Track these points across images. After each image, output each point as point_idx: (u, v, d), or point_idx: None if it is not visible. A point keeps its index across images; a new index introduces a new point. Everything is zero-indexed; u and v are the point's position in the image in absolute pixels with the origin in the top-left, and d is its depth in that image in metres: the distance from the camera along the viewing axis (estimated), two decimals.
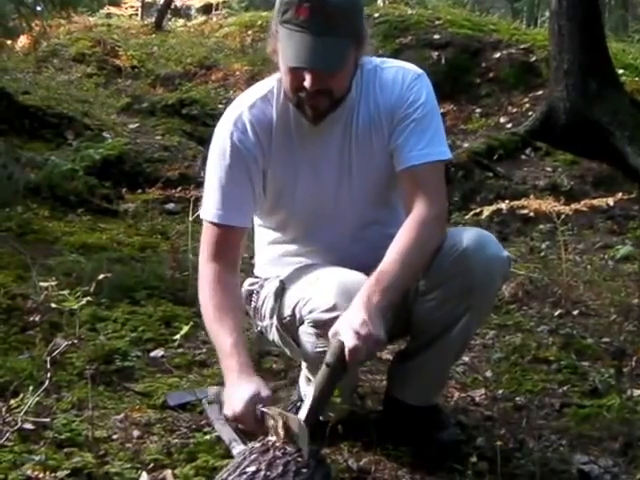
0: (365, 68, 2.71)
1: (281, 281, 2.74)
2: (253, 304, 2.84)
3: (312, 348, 2.59)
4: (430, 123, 2.66)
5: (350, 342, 2.29)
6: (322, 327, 2.49)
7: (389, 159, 2.68)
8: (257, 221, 2.89)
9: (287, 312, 2.65)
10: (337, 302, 2.47)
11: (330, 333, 2.36)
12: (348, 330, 2.31)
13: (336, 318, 2.42)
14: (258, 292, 2.81)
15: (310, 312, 2.54)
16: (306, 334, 2.59)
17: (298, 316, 2.60)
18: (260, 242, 2.95)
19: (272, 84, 2.70)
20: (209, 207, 2.70)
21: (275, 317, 2.71)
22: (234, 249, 2.70)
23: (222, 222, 2.66)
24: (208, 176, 2.72)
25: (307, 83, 2.47)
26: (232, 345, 2.51)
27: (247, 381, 2.45)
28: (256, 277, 2.91)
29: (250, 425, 2.41)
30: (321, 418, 2.75)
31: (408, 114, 2.65)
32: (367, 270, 2.53)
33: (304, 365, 2.81)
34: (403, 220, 2.61)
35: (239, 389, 2.43)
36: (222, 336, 2.56)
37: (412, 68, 2.74)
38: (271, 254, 2.91)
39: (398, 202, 2.77)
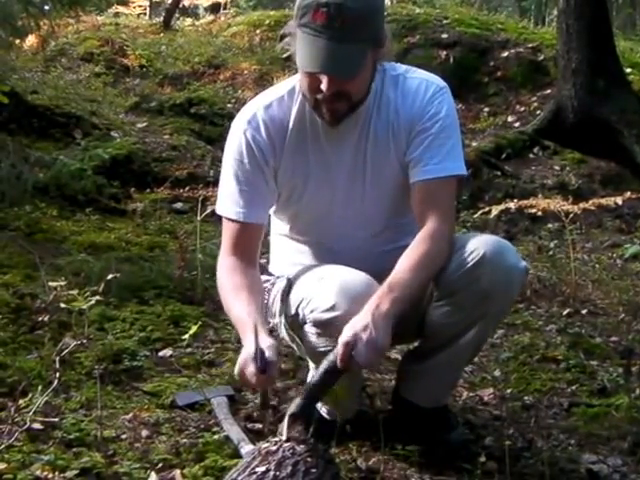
0: (389, 74, 2.70)
1: (289, 279, 2.75)
2: (265, 301, 2.84)
3: (315, 347, 2.59)
4: (448, 138, 2.64)
5: (349, 341, 2.31)
6: (322, 327, 2.51)
7: (405, 170, 2.68)
8: (273, 218, 2.91)
9: (292, 311, 2.66)
10: (337, 302, 2.47)
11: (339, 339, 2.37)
12: (350, 333, 2.33)
13: (336, 318, 2.44)
14: (269, 290, 2.81)
15: (311, 312, 2.54)
16: (309, 333, 2.59)
17: (301, 315, 2.60)
18: (274, 239, 2.97)
19: (292, 84, 2.69)
20: (226, 203, 2.73)
21: (282, 315, 2.72)
22: (251, 244, 2.73)
23: (238, 219, 2.69)
24: (224, 172, 2.75)
25: (324, 86, 2.47)
26: (248, 312, 2.52)
27: (253, 339, 2.43)
28: (269, 274, 2.91)
29: (252, 380, 2.39)
30: (327, 417, 2.77)
31: (426, 127, 2.63)
32: (372, 275, 2.54)
33: (311, 365, 2.81)
34: (416, 234, 2.61)
35: (246, 346, 2.44)
36: (238, 306, 2.58)
37: (436, 81, 2.72)
38: (283, 252, 2.92)
39: (412, 215, 2.72)
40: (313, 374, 2.60)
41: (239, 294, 2.60)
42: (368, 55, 2.49)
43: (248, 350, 2.40)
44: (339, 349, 2.32)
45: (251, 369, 2.36)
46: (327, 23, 2.39)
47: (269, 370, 2.36)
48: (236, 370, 2.44)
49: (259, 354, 2.35)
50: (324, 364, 2.37)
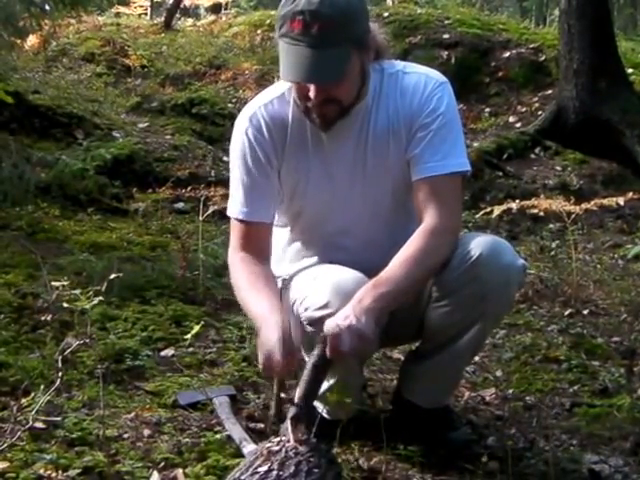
0: (387, 72, 2.69)
1: (283, 280, 2.76)
2: None
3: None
4: (449, 133, 2.63)
5: (330, 331, 2.32)
6: (316, 325, 2.50)
7: (406, 167, 2.66)
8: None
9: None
10: (330, 300, 2.48)
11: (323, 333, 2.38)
12: (331, 322, 2.35)
13: (329, 316, 2.43)
14: None
15: (305, 310, 2.55)
16: None
17: (295, 314, 2.60)
18: (275, 239, 2.95)
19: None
20: (234, 204, 2.74)
21: None
22: (262, 242, 2.75)
23: (247, 219, 2.71)
24: (231, 173, 2.76)
25: (311, 94, 2.49)
26: (269, 308, 2.51)
27: (277, 324, 2.43)
28: None
29: (278, 362, 2.38)
30: (329, 417, 2.76)
31: (427, 124, 2.62)
32: (371, 274, 2.53)
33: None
34: None
35: (269, 333, 2.42)
36: (257, 301, 2.57)
37: (435, 75, 2.70)
38: (282, 252, 2.91)
39: (415, 213, 2.70)
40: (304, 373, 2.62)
41: (255, 284, 2.61)
42: (352, 57, 2.49)
43: (272, 336, 2.40)
44: (328, 341, 2.32)
45: (277, 354, 2.37)
46: (304, 30, 2.40)
47: (294, 355, 2.39)
48: (260, 357, 2.43)
49: (284, 339, 2.38)
50: (310, 360, 2.38)
